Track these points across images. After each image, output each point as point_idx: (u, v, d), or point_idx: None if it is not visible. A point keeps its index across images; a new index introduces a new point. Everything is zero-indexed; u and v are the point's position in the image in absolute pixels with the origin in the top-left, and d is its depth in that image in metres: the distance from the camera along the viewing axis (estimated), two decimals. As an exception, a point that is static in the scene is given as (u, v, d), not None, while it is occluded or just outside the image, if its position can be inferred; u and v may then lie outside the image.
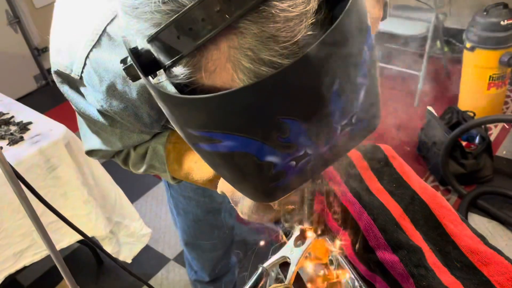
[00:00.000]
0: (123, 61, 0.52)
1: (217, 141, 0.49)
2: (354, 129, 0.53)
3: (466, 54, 2.67)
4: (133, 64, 0.49)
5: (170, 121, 0.54)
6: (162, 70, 0.50)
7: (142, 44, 0.49)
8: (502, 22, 2.46)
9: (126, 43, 0.51)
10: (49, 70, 0.84)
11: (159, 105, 0.53)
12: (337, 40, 0.44)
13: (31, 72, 4.12)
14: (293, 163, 0.52)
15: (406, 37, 3.32)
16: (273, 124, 0.46)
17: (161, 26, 0.44)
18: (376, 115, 0.56)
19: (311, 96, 0.46)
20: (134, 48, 0.50)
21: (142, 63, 0.49)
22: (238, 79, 0.45)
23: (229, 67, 0.45)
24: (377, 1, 0.86)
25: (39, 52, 4.07)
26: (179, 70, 0.47)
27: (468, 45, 2.60)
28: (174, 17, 0.43)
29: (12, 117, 1.87)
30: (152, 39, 0.46)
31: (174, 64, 0.46)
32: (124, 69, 0.51)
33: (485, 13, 2.51)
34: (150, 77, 0.51)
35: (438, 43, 3.28)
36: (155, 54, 0.48)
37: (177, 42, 0.44)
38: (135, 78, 0.52)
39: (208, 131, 0.48)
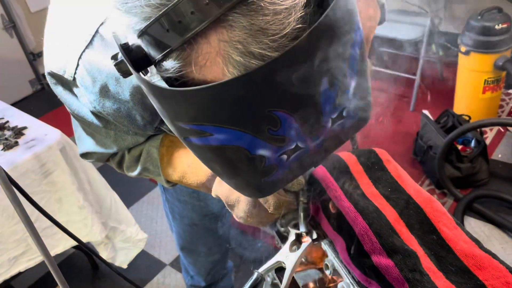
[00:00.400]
0: (114, 57, 0.52)
1: (208, 134, 0.49)
2: (345, 122, 0.54)
3: (461, 58, 2.68)
4: (124, 59, 0.50)
5: (161, 116, 0.54)
6: (153, 69, 0.50)
7: (133, 39, 0.49)
8: (496, 26, 2.47)
9: (117, 38, 0.52)
10: (44, 75, 0.84)
11: (150, 100, 0.53)
12: (324, 33, 0.45)
13: (27, 76, 4.11)
14: (285, 156, 0.52)
15: (401, 41, 3.33)
16: (263, 117, 0.47)
17: (151, 20, 0.44)
18: (367, 109, 0.57)
19: (300, 89, 0.46)
20: (124, 44, 0.50)
21: (133, 59, 0.49)
22: (229, 73, 0.46)
23: (219, 60, 0.45)
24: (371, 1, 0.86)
25: (35, 57, 4.07)
26: (170, 64, 0.47)
27: (463, 49, 2.62)
28: (163, 10, 0.43)
29: (7, 122, 1.87)
30: (142, 34, 0.46)
31: (164, 58, 0.47)
32: (115, 65, 0.52)
33: (479, 17, 2.52)
34: (141, 74, 0.51)
35: (433, 47, 3.30)
36: (146, 49, 0.49)
37: (166, 35, 0.45)
38: (126, 74, 0.52)
39: (198, 124, 0.48)
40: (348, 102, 0.52)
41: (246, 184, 0.58)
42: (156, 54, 0.47)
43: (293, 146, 0.51)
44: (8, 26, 3.86)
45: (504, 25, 2.47)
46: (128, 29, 0.48)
